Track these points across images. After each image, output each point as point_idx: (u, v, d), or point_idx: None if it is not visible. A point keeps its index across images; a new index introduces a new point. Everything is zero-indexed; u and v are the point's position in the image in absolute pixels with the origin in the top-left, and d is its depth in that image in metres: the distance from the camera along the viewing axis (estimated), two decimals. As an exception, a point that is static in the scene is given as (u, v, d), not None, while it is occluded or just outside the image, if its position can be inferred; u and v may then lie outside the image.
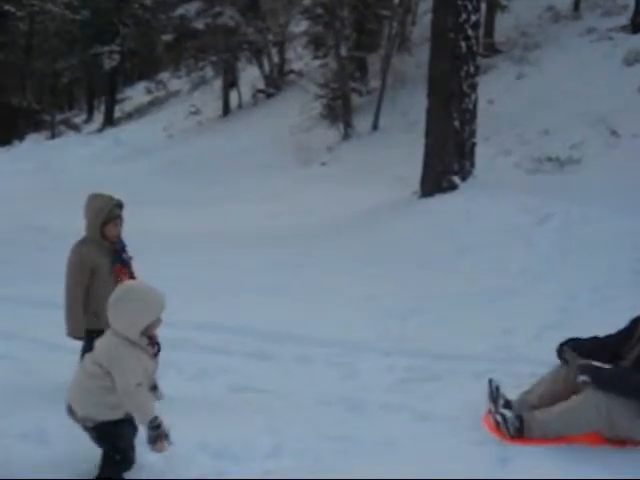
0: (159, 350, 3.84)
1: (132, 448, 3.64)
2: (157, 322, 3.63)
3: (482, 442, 4.20)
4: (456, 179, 10.59)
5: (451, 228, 9.37)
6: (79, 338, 4.84)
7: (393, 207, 10.82)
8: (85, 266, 4.73)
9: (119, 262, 4.85)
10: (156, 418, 3.43)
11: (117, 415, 3.58)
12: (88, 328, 4.72)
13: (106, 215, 4.71)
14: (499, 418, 4.26)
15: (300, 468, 3.83)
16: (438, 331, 6.31)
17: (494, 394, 4.48)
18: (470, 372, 5.29)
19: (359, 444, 4.20)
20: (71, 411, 3.63)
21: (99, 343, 3.65)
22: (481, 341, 5.98)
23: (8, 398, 4.70)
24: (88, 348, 4.50)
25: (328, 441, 4.20)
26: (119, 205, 4.81)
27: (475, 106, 10.75)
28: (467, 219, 9.54)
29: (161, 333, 4.46)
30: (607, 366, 4.26)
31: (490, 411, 4.42)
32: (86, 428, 3.62)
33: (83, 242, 4.79)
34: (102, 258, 4.75)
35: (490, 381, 4.56)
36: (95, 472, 3.65)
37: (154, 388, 3.83)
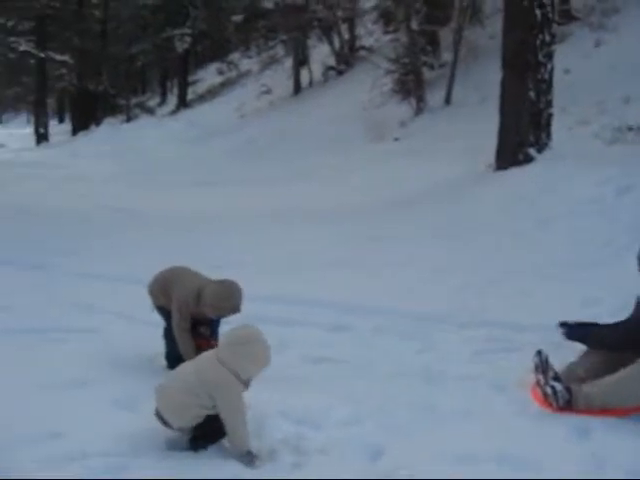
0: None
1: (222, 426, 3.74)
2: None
3: (562, 414, 4.14)
4: (532, 151, 10.37)
5: (529, 200, 9.19)
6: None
7: (469, 180, 10.70)
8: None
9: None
10: (250, 451, 3.61)
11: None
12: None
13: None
14: (549, 390, 4.20)
15: (378, 435, 3.86)
16: (518, 303, 6.22)
17: (544, 365, 4.41)
18: (550, 343, 5.14)
19: (436, 414, 4.19)
20: (162, 419, 3.76)
21: (207, 370, 3.71)
22: (562, 313, 5.84)
23: (96, 368, 4.88)
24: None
25: (405, 410, 4.22)
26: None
27: (551, 76, 10.47)
28: (545, 191, 9.33)
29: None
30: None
31: (539, 383, 4.35)
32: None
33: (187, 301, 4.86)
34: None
35: (539, 352, 4.48)
36: (184, 436, 3.78)
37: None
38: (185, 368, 3.89)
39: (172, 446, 3.77)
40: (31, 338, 5.61)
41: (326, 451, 3.69)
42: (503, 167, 10.49)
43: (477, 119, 13.62)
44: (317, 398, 4.32)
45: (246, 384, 3.73)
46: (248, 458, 3.59)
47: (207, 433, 3.76)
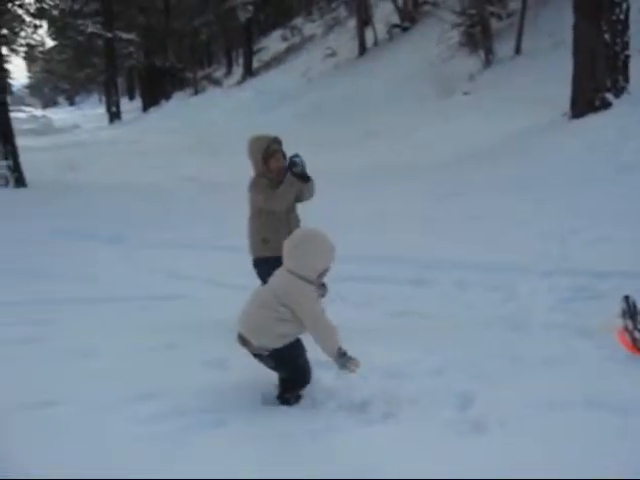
0: (326, 291, 4.06)
1: (307, 366, 3.84)
2: (328, 269, 3.81)
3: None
4: (609, 96, 10.08)
5: (607, 147, 8.97)
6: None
7: (544, 130, 10.48)
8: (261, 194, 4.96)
9: None
10: (341, 348, 3.64)
11: (288, 341, 3.77)
12: (257, 256, 4.99)
13: (265, 151, 4.90)
14: (638, 335, 4.12)
15: (467, 384, 3.87)
16: (601, 250, 6.11)
17: (631, 310, 4.32)
18: (636, 290, 5.05)
19: (524, 362, 4.18)
20: (244, 341, 3.84)
21: (277, 281, 3.83)
22: (647, 259, 5.72)
23: (188, 331, 5.05)
24: (261, 274, 4.82)
25: (490, 359, 4.22)
26: (277, 141, 5.00)
27: (627, 16, 10.11)
28: (624, 137, 9.08)
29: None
30: None
31: (627, 328, 4.27)
32: (261, 357, 3.83)
33: (256, 177, 5.01)
34: (273, 190, 4.95)
35: (626, 298, 4.39)
36: (275, 392, 3.88)
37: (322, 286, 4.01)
38: (261, 289, 4.00)
39: (265, 401, 3.88)
40: (120, 306, 5.85)
41: (416, 401, 3.72)
42: (579, 115, 10.23)
43: (549, 67, 13.27)
44: (404, 351, 4.37)
45: (317, 283, 3.77)
46: (343, 361, 3.62)
47: (292, 383, 3.83)
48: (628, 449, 3.17)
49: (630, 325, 4.27)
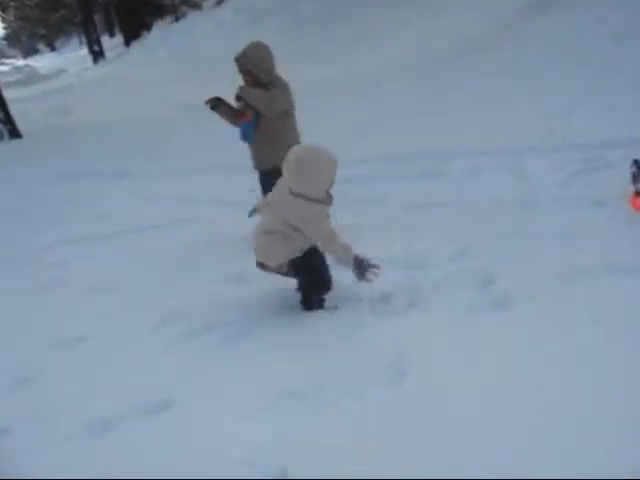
0: (332, 201, 3.97)
1: (328, 272, 3.84)
2: (334, 182, 3.67)
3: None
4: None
5: (600, 19, 8.78)
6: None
7: (534, 10, 10.25)
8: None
9: None
10: (357, 257, 3.57)
11: (303, 252, 3.78)
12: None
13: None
14: None
15: (487, 265, 3.89)
16: (606, 120, 6.06)
17: None
18: (647, 155, 5.03)
19: (541, 237, 4.19)
20: (264, 266, 3.85)
21: (286, 207, 3.65)
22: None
23: (205, 252, 5.11)
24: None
25: (510, 238, 4.23)
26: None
27: None
28: (615, 8, 8.83)
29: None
30: None
31: (638, 192, 4.24)
32: (284, 274, 3.85)
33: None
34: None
35: (636, 161, 4.34)
36: (298, 297, 3.92)
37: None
38: (265, 216, 3.92)
39: (289, 308, 3.92)
40: (133, 238, 5.89)
41: (438, 287, 3.75)
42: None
43: None
44: (422, 241, 4.39)
45: (326, 200, 3.65)
46: (360, 270, 3.55)
47: (315, 289, 3.83)
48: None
49: (640, 188, 4.26)
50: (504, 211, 4.76)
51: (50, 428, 2.99)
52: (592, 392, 2.60)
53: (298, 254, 3.76)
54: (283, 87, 4.93)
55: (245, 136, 4.97)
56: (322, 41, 15.97)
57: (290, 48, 15.81)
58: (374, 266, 3.57)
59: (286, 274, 3.86)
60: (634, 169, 4.38)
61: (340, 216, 3.97)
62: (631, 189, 4.34)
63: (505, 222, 4.53)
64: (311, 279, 3.84)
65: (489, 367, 2.89)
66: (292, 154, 3.59)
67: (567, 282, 3.54)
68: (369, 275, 3.57)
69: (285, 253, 3.75)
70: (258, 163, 5.02)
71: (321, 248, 3.68)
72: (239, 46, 5.00)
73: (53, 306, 4.53)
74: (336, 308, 3.78)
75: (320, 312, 3.79)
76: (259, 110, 4.86)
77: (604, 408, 2.50)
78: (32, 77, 31.58)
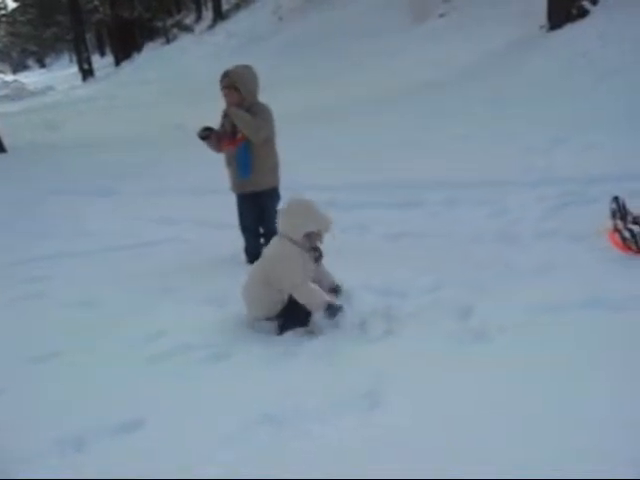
0: (321, 256, 4.02)
1: (308, 314, 3.86)
2: (320, 234, 3.89)
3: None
4: (586, 4, 9.95)
5: (586, 56, 8.90)
6: None
7: (523, 44, 10.40)
8: None
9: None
10: (326, 302, 3.72)
11: (283, 306, 3.90)
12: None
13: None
14: (627, 234, 4.18)
15: (465, 296, 3.92)
16: (587, 157, 6.13)
17: (621, 211, 4.37)
18: (628, 190, 5.01)
19: (520, 270, 4.23)
20: (253, 316, 3.99)
21: (270, 247, 3.99)
22: (637, 161, 5.71)
23: (186, 272, 5.10)
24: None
25: (488, 271, 4.27)
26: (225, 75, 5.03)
27: None
28: (602, 45, 8.99)
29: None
30: None
31: (617, 228, 4.32)
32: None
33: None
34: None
35: (616, 198, 4.43)
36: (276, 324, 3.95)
37: (337, 290, 4.05)
38: (255, 265, 4.12)
39: (266, 331, 3.93)
40: (114, 256, 5.87)
41: (416, 316, 3.77)
42: (557, 25, 10.11)
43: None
44: (400, 270, 4.41)
45: (304, 243, 3.85)
46: (330, 311, 3.72)
47: (293, 318, 3.88)
48: (629, 343, 3.21)
49: (620, 225, 4.31)
50: (482, 243, 4.81)
51: (22, 444, 2.96)
52: (573, 423, 2.63)
53: (278, 308, 3.88)
54: (266, 113, 5.01)
55: (244, 169, 5.02)
56: (313, 67, 16.10)
57: (279, 73, 15.98)
58: (340, 309, 3.73)
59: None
60: (613, 205, 4.46)
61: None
62: (610, 225, 4.41)
63: (484, 254, 4.57)
64: (290, 315, 3.90)
65: (466, 398, 2.91)
66: (285, 204, 3.97)
67: (545, 315, 3.58)
68: (339, 315, 3.72)
69: (274, 307, 3.88)
70: (252, 186, 5.09)
71: (291, 290, 3.79)
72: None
73: (31, 320, 4.51)
74: (313, 334, 3.80)
75: (298, 338, 3.79)
76: (246, 134, 4.92)
77: (583, 439, 2.52)
78: (20, 92, 31.48)
